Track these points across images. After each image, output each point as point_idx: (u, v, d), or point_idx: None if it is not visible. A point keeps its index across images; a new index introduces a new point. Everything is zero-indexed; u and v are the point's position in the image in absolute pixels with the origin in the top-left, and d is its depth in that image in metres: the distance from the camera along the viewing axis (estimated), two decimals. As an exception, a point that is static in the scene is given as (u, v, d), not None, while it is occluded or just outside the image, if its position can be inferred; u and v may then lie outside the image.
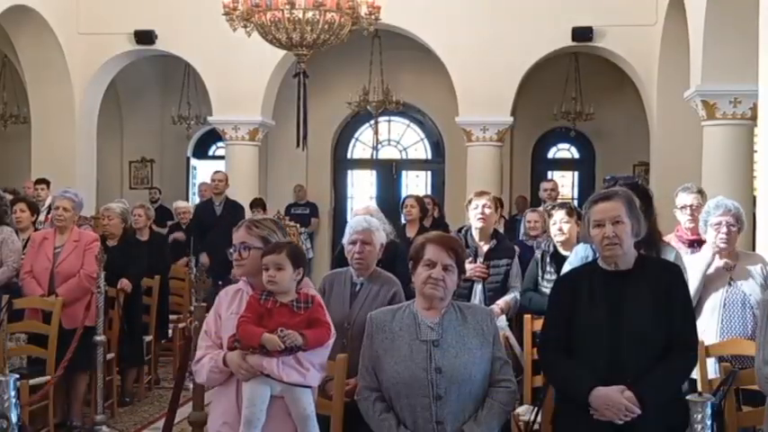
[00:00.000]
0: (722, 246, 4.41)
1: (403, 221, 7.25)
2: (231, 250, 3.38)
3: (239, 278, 3.45)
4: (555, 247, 5.43)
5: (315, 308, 3.27)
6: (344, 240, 4.35)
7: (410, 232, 6.89)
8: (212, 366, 3.26)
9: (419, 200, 7.42)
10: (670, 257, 3.99)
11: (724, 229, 4.40)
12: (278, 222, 3.57)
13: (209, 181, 10.41)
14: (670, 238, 4.95)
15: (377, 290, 4.12)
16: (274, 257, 3.23)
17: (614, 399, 3.05)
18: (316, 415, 3.32)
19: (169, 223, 11.19)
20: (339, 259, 4.94)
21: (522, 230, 7.26)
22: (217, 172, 10.07)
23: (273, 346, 3.11)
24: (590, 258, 4.03)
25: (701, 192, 5.15)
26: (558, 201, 8.12)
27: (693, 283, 4.36)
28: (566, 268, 4.51)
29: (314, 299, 3.29)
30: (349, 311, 4.08)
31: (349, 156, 14.82)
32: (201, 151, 15.32)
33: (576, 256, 4.47)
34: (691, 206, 5.00)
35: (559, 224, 5.40)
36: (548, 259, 5.40)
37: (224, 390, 3.30)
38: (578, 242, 4.86)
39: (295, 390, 3.21)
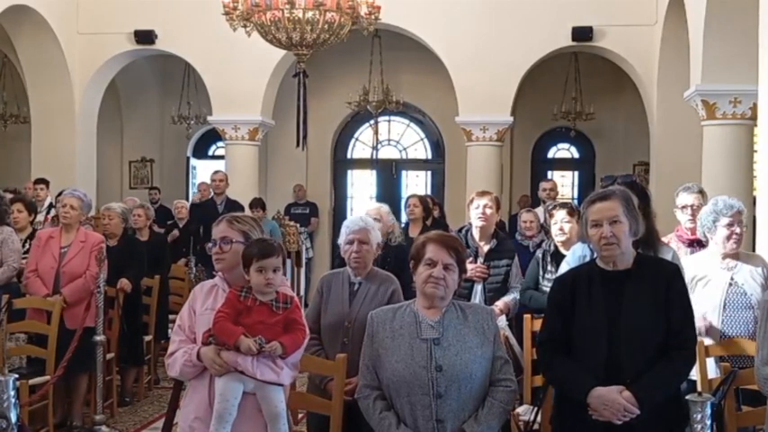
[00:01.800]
0: (734, 246, 4.41)
1: (404, 221, 7.25)
2: (210, 245, 3.36)
3: (218, 273, 3.42)
4: (556, 246, 5.44)
5: (293, 309, 3.27)
6: (341, 240, 4.34)
7: (413, 232, 6.89)
8: (186, 360, 3.26)
9: (422, 199, 7.42)
10: (667, 257, 3.99)
11: (738, 230, 4.41)
12: (257, 219, 3.56)
13: (208, 181, 10.39)
14: (670, 237, 4.95)
15: (375, 288, 4.11)
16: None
17: (613, 399, 3.05)
18: (311, 414, 3.32)
19: (168, 223, 11.18)
20: (340, 259, 4.93)
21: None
22: (217, 172, 10.07)
23: (246, 352, 3.12)
24: (587, 258, 4.02)
25: (702, 192, 5.15)
26: (559, 200, 8.11)
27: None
28: (563, 268, 4.52)
29: (292, 300, 3.29)
30: (348, 311, 4.07)
31: (349, 155, 14.80)
32: (201, 151, 15.31)
33: (573, 256, 4.47)
34: (692, 206, 4.99)
35: (560, 224, 5.40)
36: (548, 258, 5.40)
37: (197, 385, 3.30)
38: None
39: (267, 387, 3.21)
